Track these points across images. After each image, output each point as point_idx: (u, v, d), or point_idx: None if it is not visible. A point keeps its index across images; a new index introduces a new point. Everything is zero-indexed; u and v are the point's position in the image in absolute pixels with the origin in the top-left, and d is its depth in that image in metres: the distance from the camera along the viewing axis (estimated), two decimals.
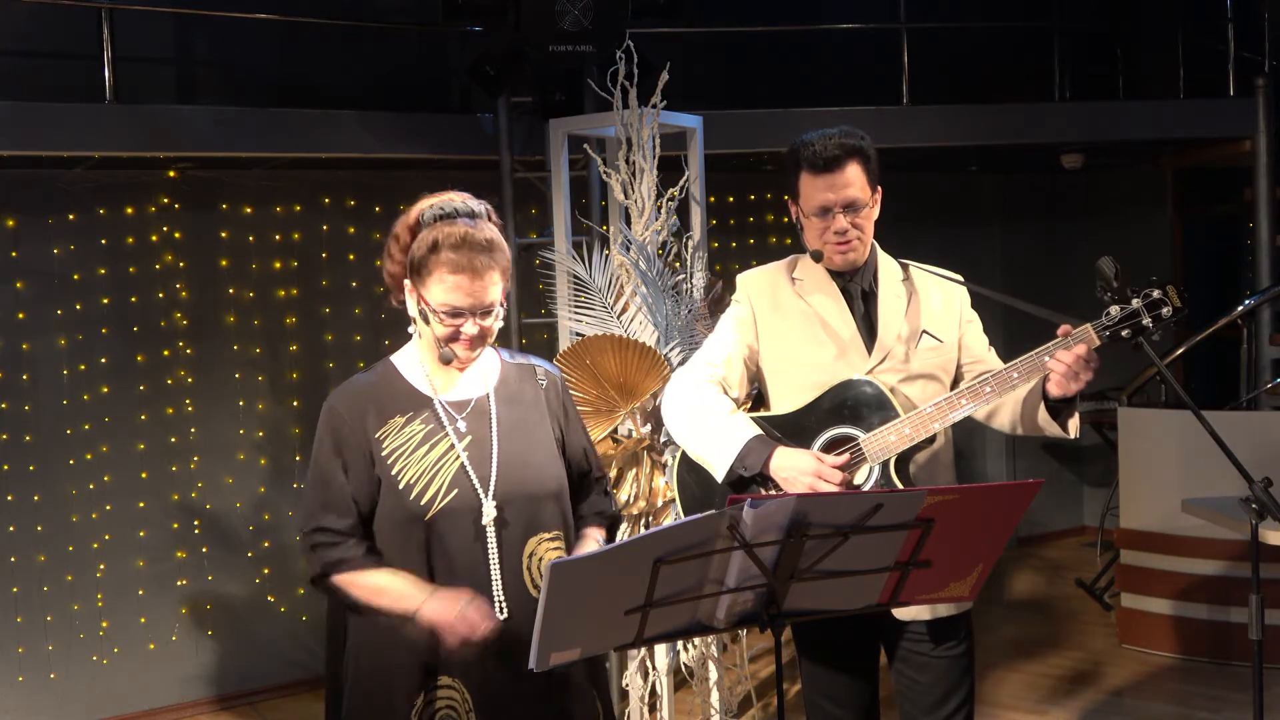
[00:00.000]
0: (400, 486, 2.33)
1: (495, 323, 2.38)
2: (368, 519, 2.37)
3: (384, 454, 2.35)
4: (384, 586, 2.31)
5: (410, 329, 2.45)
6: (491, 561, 2.35)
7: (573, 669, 2.38)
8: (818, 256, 2.70)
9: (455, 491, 2.34)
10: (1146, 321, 2.48)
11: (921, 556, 2.16)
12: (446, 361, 2.39)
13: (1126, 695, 5.10)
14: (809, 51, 6.79)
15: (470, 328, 2.35)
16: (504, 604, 2.34)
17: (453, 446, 2.37)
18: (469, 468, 2.36)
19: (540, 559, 2.39)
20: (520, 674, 2.17)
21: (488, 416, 2.42)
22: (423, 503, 2.32)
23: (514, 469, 2.40)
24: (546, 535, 2.42)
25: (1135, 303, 2.48)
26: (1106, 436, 7.19)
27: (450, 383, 2.44)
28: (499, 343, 2.54)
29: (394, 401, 2.39)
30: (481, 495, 2.35)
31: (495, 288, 2.34)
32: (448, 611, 2.25)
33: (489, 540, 2.35)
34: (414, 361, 2.46)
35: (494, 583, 2.34)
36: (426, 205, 2.40)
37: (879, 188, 2.71)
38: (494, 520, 2.35)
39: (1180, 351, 6.04)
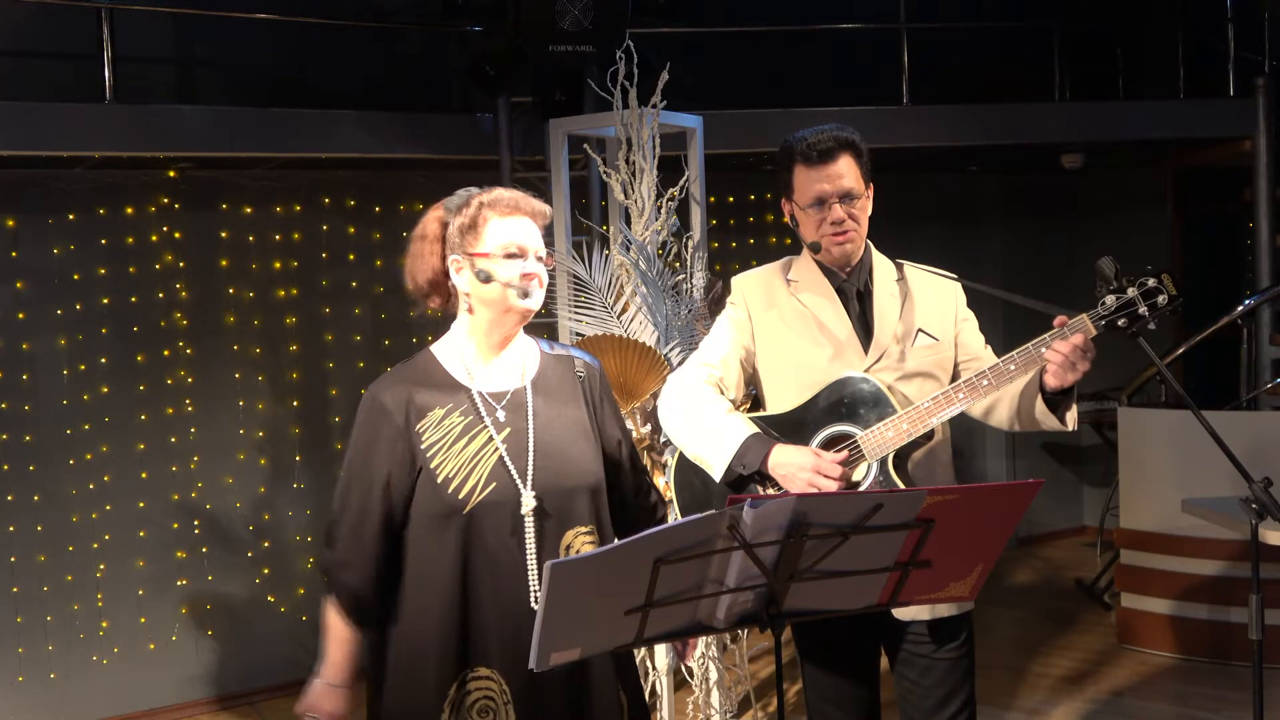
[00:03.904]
0: (439, 480, 2.33)
1: (545, 276, 2.44)
2: (401, 521, 2.37)
3: (423, 447, 2.35)
4: (338, 640, 2.39)
5: (464, 306, 2.42)
6: (529, 553, 2.35)
7: (594, 662, 2.39)
8: (816, 247, 2.70)
9: (494, 485, 2.34)
10: (1143, 310, 2.47)
11: (921, 556, 2.16)
12: (525, 296, 2.38)
13: (1126, 695, 5.10)
14: (808, 52, 6.79)
15: (532, 266, 2.39)
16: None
17: (491, 439, 2.37)
18: (507, 460, 2.37)
19: (576, 551, 2.40)
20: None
21: (525, 408, 2.43)
22: (460, 496, 2.33)
23: (551, 461, 2.40)
24: (583, 529, 2.42)
25: (1131, 291, 2.48)
26: (1106, 436, 7.19)
27: (489, 373, 2.45)
28: (542, 334, 2.57)
29: (433, 393, 2.40)
30: (520, 486, 2.36)
31: (540, 236, 2.43)
32: (323, 699, 2.39)
33: (527, 532, 2.36)
34: (454, 351, 2.46)
35: (529, 573, 2.35)
36: (444, 201, 2.45)
37: (871, 184, 2.73)
38: (533, 511, 2.36)
39: (1180, 351, 6.04)
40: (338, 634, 2.38)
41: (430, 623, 2.33)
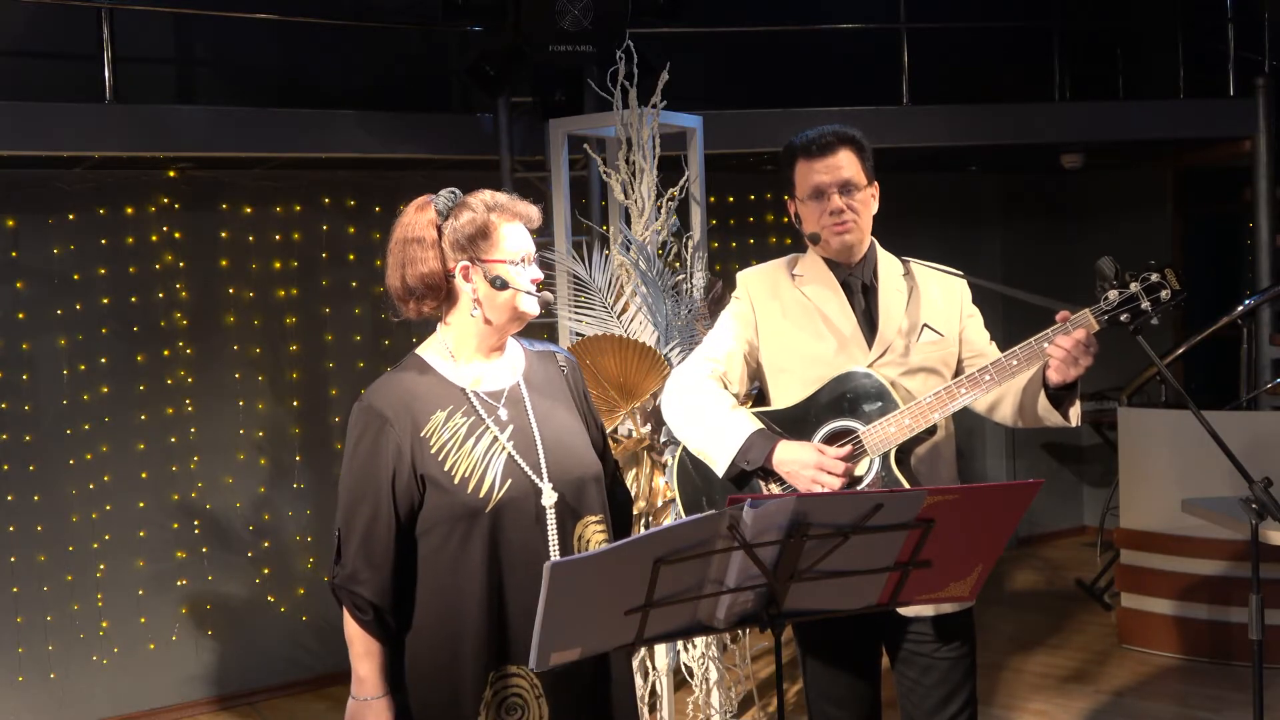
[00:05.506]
0: (456, 481, 2.32)
1: None
2: (408, 529, 2.35)
3: (433, 451, 2.34)
4: (363, 654, 2.34)
5: (465, 309, 2.40)
6: (551, 546, 2.35)
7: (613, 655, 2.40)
8: (815, 239, 2.71)
9: (510, 481, 2.34)
10: (1145, 305, 2.48)
11: (921, 556, 2.16)
12: (538, 303, 2.42)
13: (1126, 695, 5.10)
14: (809, 51, 6.79)
15: (537, 271, 2.42)
16: None
17: (496, 438, 2.37)
18: (517, 457, 2.36)
19: (589, 542, 2.41)
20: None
21: (523, 404, 2.43)
22: (481, 495, 2.32)
23: (559, 454, 2.41)
24: (593, 519, 2.43)
25: (1134, 286, 2.48)
26: (1106, 436, 7.19)
27: (482, 374, 2.44)
28: (542, 334, 2.56)
29: (433, 397, 2.38)
30: (537, 480, 2.36)
31: None
32: (366, 715, 2.35)
33: (549, 525, 2.36)
34: (443, 355, 2.45)
35: None
36: (429, 199, 2.42)
37: (875, 182, 2.73)
38: (554, 504, 2.36)
39: (1180, 351, 6.04)
40: (361, 649, 2.34)
41: (460, 627, 2.31)
